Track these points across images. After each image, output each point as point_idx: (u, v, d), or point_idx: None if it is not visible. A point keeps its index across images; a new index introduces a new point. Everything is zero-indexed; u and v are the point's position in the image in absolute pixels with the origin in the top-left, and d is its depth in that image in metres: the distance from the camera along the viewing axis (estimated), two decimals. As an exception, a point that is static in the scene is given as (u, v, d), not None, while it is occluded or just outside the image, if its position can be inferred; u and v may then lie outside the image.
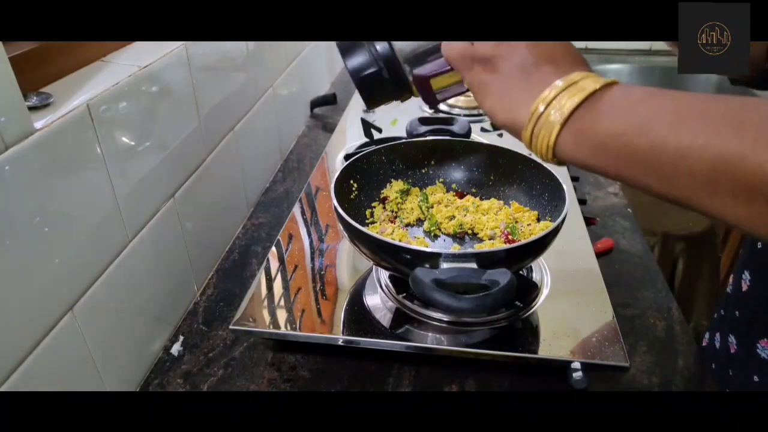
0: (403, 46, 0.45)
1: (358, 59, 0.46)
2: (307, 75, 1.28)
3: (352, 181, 0.75)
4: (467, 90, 0.44)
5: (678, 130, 0.31)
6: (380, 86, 0.47)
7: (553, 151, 0.37)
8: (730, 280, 0.67)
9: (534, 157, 0.72)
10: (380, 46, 0.45)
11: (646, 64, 1.72)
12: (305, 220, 0.84)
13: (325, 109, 1.33)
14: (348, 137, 1.12)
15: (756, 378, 0.58)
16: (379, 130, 1.10)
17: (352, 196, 0.75)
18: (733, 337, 0.62)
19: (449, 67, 0.43)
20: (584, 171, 0.39)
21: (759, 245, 0.61)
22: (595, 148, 0.35)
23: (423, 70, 0.44)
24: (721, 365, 0.64)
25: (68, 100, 0.52)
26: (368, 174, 0.78)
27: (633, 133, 0.32)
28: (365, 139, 1.06)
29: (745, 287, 0.61)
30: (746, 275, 0.61)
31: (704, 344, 0.69)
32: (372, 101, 0.49)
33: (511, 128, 0.39)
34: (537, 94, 0.37)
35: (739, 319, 0.62)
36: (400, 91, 0.47)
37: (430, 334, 0.62)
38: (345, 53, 0.46)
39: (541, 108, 0.36)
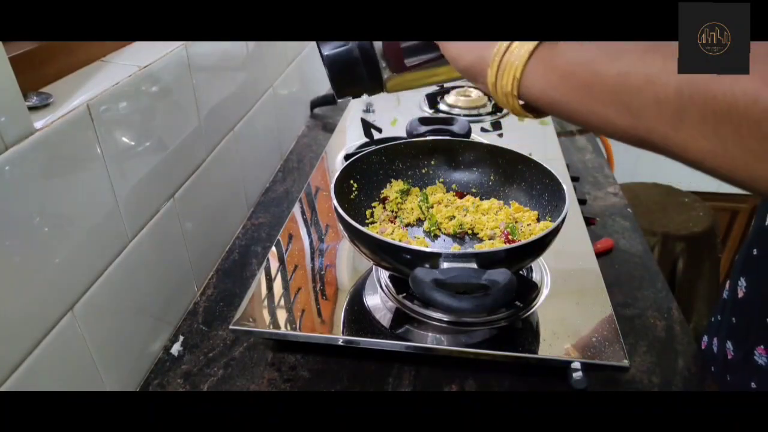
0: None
1: (332, 42, 0.47)
2: (307, 75, 1.28)
3: (352, 181, 0.75)
4: (438, 56, 0.44)
5: (647, 57, 0.31)
6: (349, 67, 0.47)
7: (518, 85, 0.37)
8: (727, 285, 0.66)
9: (534, 157, 0.73)
10: None
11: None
12: (305, 220, 0.84)
13: (325, 109, 1.33)
14: (348, 137, 1.12)
15: (754, 384, 0.58)
16: (379, 130, 1.10)
17: (352, 196, 0.75)
18: (731, 344, 0.62)
19: None
20: (549, 115, 0.39)
21: (755, 251, 0.60)
22: (563, 78, 0.35)
23: None
24: (720, 370, 0.63)
25: (68, 100, 0.52)
26: (368, 174, 0.78)
27: (602, 61, 0.33)
28: (365, 139, 1.06)
29: (741, 294, 0.61)
30: (742, 282, 0.61)
31: (703, 347, 0.68)
32: (340, 84, 0.49)
33: (476, 68, 0.39)
34: None
35: (736, 325, 0.62)
36: (370, 79, 0.48)
37: (430, 334, 0.62)
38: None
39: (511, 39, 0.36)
